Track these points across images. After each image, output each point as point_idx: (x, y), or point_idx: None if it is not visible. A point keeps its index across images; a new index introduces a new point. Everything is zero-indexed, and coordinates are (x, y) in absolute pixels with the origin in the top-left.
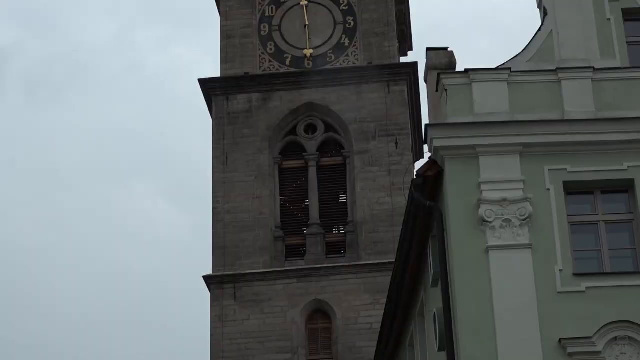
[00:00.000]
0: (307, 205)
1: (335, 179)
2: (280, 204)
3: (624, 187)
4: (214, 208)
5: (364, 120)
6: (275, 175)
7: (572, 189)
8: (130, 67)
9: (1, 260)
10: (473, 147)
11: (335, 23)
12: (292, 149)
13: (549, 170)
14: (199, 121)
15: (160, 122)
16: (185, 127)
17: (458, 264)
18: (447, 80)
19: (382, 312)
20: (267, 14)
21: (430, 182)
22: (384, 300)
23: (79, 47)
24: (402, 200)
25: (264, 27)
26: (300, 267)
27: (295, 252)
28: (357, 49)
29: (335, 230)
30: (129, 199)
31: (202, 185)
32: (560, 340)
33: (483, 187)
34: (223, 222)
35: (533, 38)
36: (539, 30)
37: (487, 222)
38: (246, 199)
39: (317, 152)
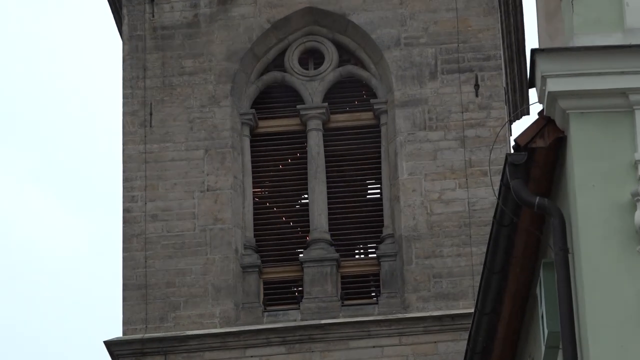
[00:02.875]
0: (306, 203)
1: (359, 154)
2: (255, 203)
3: None
4: (125, 210)
5: (414, 43)
6: (244, 147)
7: None
8: None
9: None
10: (623, 92)
11: None
12: (277, 98)
13: None
14: (101, 44)
15: (32, 44)
16: (77, 55)
17: (595, 316)
18: None
19: None
20: None
21: (542, 161)
22: None
23: None
24: (487, 196)
25: None
26: (291, 324)
27: (282, 294)
28: None
29: (361, 253)
30: None
31: (106, 166)
32: None
33: None
34: (144, 237)
35: None
36: None
37: None
38: (188, 192)
39: (325, 104)
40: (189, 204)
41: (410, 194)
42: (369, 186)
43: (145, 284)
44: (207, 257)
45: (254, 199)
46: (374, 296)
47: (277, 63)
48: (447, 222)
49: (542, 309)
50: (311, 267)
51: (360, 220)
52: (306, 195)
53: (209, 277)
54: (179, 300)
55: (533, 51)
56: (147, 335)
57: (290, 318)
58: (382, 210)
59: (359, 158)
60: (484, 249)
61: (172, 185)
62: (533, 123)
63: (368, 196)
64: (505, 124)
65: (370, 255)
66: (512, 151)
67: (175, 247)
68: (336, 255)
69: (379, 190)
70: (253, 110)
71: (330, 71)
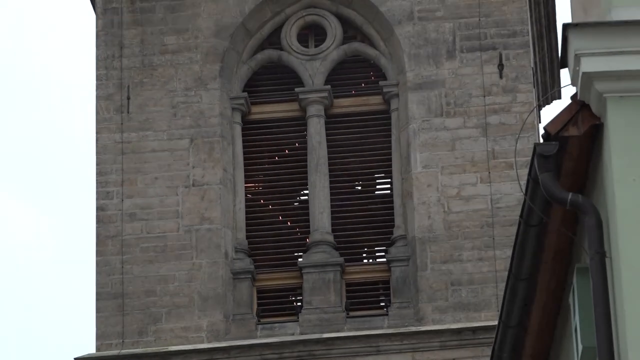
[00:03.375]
0: (306, 200)
1: (366, 144)
2: (247, 200)
3: None
4: (99, 207)
5: (429, 17)
6: (234, 136)
7: None
8: None
9: None
10: None
11: None
12: (273, 80)
13: None
14: (71, 17)
15: None
16: (44, 30)
17: (636, 329)
18: None
19: None
20: None
21: (575, 152)
22: None
23: None
24: (512, 191)
25: None
26: (289, 339)
27: (278, 304)
28: None
29: (368, 257)
30: None
31: (77, 157)
32: None
33: None
34: (120, 239)
35: None
36: None
37: None
38: (171, 188)
39: (328, 86)
40: (172, 201)
41: (425, 190)
42: (377, 181)
43: (121, 292)
44: (192, 262)
45: (246, 195)
46: (383, 306)
47: (273, 40)
48: (467, 221)
49: (576, 321)
50: (311, 273)
51: (368, 219)
52: (306, 191)
53: (194, 284)
54: (161, 311)
55: (565, 26)
56: (124, 352)
57: (288, 331)
58: (392, 208)
59: (366, 149)
60: (509, 252)
61: (152, 179)
62: (565, 108)
63: (376, 192)
64: (534, 109)
65: (379, 260)
66: (541, 140)
67: (157, 250)
68: (340, 259)
69: (389, 186)
70: (245, 94)
71: (333, 49)
